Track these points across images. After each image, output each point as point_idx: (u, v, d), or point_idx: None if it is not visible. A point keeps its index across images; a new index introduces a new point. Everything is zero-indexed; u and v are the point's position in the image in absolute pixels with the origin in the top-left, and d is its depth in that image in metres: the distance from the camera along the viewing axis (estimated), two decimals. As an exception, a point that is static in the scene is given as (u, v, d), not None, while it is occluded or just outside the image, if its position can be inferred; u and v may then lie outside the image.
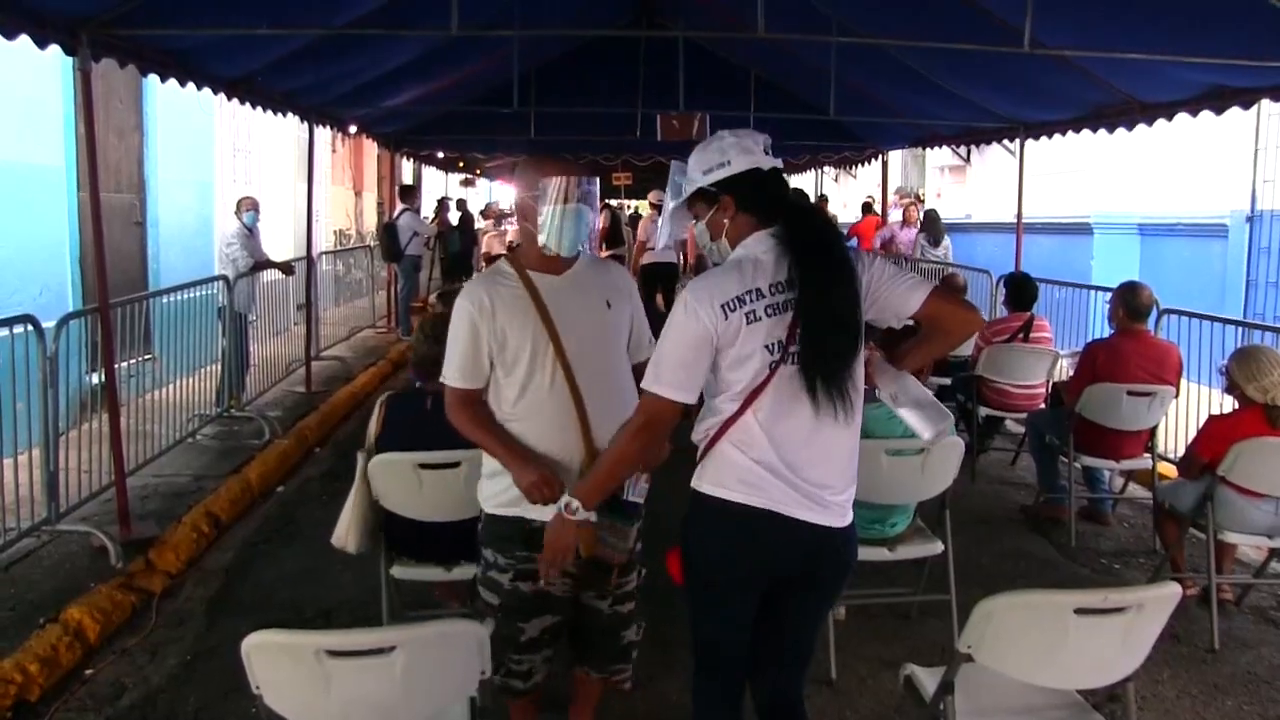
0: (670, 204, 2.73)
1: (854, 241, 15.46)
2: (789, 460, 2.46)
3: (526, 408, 2.83)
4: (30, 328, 4.96)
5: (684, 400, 2.46)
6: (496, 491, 2.89)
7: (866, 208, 16.37)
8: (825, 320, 2.42)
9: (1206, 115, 6.11)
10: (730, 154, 2.55)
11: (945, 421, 2.69)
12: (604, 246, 16.10)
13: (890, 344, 2.97)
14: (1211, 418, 4.89)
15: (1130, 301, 5.54)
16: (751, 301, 2.43)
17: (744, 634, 2.66)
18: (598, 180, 2.89)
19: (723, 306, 2.41)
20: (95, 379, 6.63)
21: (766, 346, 2.43)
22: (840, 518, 2.55)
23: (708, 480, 2.53)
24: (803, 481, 2.47)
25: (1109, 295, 5.89)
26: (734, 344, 2.43)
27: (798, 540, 2.50)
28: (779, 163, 2.60)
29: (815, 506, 2.49)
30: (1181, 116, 6.32)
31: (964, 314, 2.63)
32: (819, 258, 2.44)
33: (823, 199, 17.31)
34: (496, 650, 2.76)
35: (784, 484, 2.46)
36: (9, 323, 4.86)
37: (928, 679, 2.80)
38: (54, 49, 4.70)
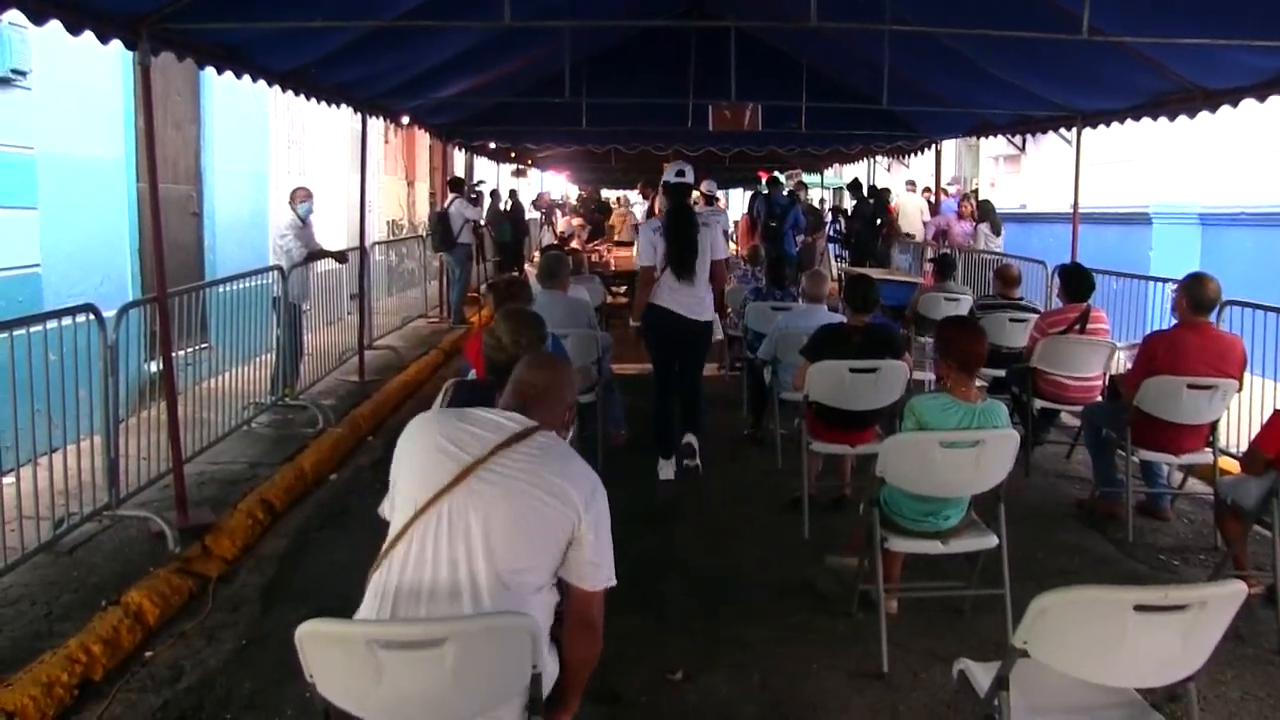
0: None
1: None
2: (684, 291, 6.24)
3: None
4: (91, 317, 5.06)
5: (651, 264, 6.26)
6: None
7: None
8: (677, 246, 6.20)
9: (1275, 101, 5.94)
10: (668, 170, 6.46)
11: None
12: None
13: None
14: (1277, 412, 4.76)
15: (1194, 293, 5.40)
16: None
17: (673, 363, 6.46)
18: None
19: (654, 231, 6.31)
20: (154, 367, 6.75)
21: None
22: (707, 315, 6.39)
23: (657, 300, 6.27)
24: (690, 300, 6.25)
25: (1168, 286, 5.76)
26: (661, 245, 6.18)
27: (689, 325, 6.30)
28: (684, 179, 6.36)
29: (698, 309, 6.31)
30: (1247, 103, 6.15)
31: (718, 268, 6.52)
32: (676, 223, 6.31)
33: (885, 190, 17.77)
34: None
35: (683, 298, 6.24)
36: (71, 312, 4.97)
37: (982, 674, 2.76)
38: (115, 44, 4.80)
